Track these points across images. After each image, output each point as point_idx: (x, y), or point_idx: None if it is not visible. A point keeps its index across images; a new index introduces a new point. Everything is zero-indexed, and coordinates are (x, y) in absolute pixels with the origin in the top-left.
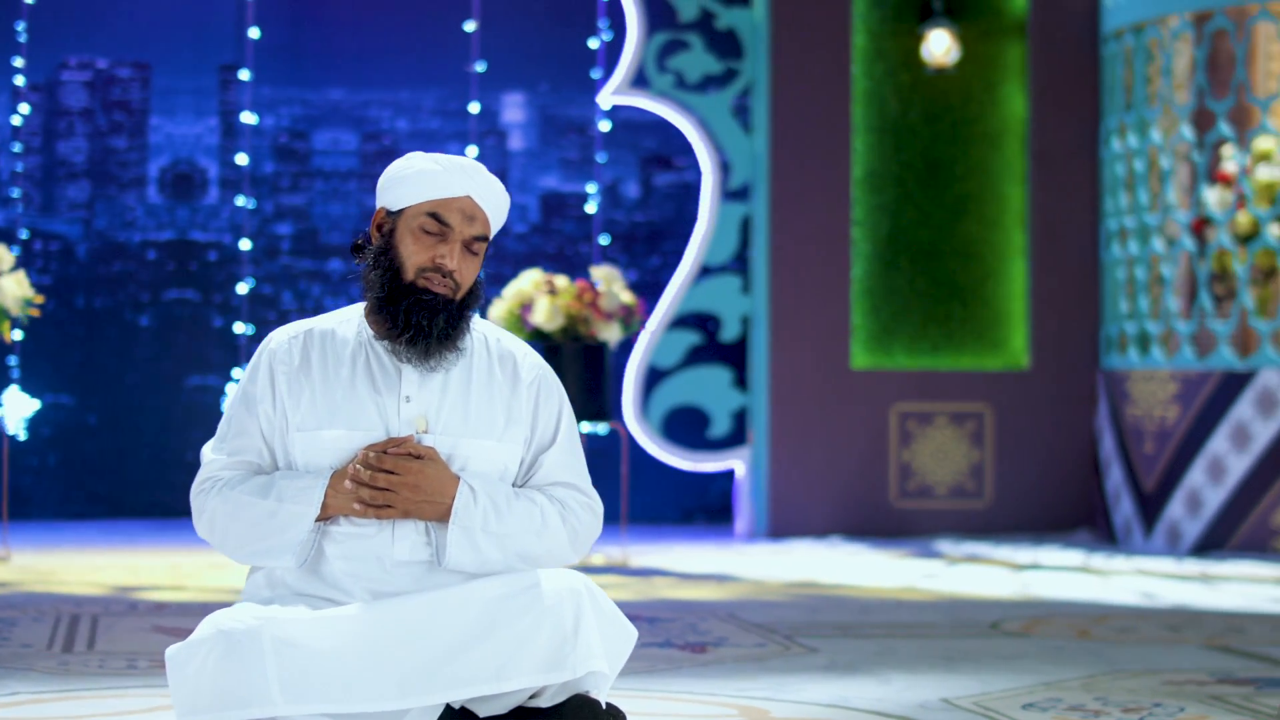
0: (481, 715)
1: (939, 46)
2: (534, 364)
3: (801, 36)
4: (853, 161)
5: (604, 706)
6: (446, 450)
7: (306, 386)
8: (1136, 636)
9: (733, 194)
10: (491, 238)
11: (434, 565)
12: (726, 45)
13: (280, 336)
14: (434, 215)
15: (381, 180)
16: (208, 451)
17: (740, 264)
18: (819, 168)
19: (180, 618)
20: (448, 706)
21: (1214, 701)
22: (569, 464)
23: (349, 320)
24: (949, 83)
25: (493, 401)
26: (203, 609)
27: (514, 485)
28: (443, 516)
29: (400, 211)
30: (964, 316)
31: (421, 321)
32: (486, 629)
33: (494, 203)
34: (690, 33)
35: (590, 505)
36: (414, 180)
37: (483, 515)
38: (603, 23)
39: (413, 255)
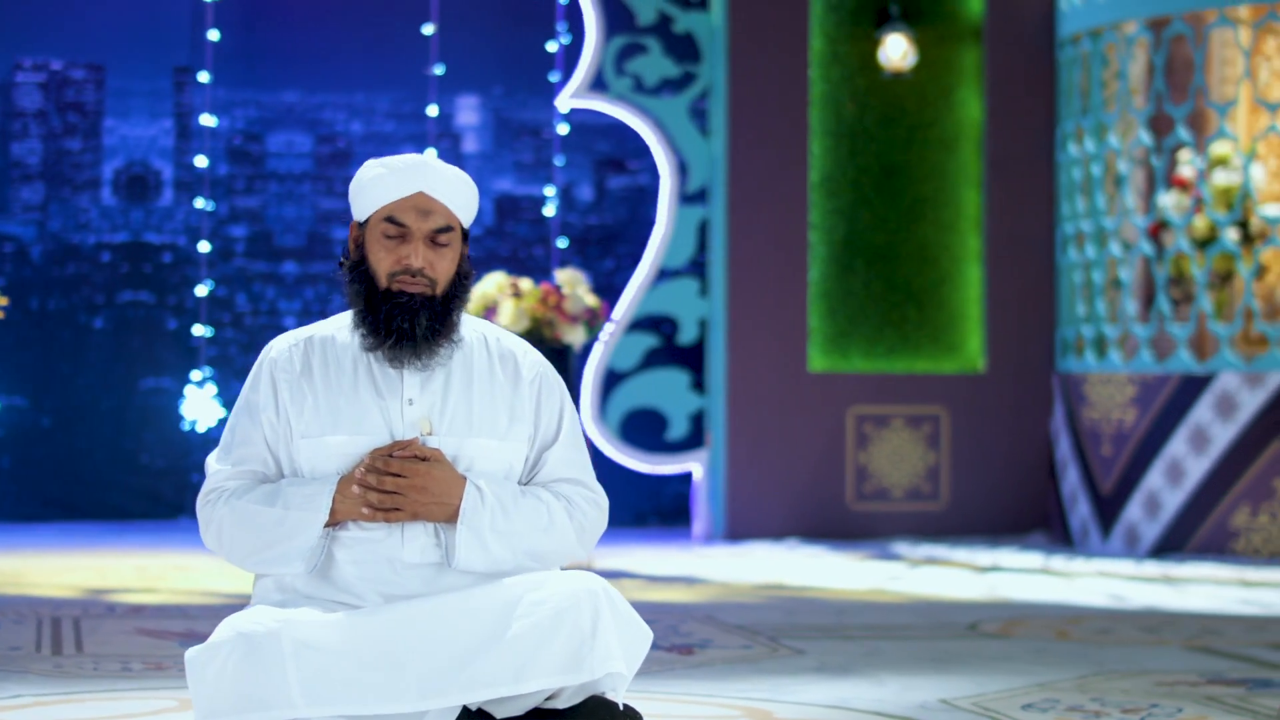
0: (499, 716)
1: (895, 51)
2: (535, 361)
3: (759, 40)
4: (810, 165)
5: (621, 707)
6: (451, 451)
7: (309, 393)
8: (1115, 638)
9: (690, 197)
10: (464, 225)
11: (444, 566)
12: (684, 49)
13: (280, 344)
14: (390, 219)
15: (349, 194)
16: (212, 462)
17: (698, 267)
18: (776, 171)
19: (161, 620)
20: (464, 707)
21: (1210, 702)
22: (573, 460)
23: (348, 326)
24: (905, 87)
25: (495, 401)
26: (180, 611)
27: (519, 483)
28: (451, 517)
29: (366, 221)
30: (920, 320)
31: (403, 325)
32: (504, 631)
33: (450, 191)
34: (648, 36)
35: (596, 500)
36: (368, 189)
37: (490, 515)
38: (561, 26)
39: (381, 262)
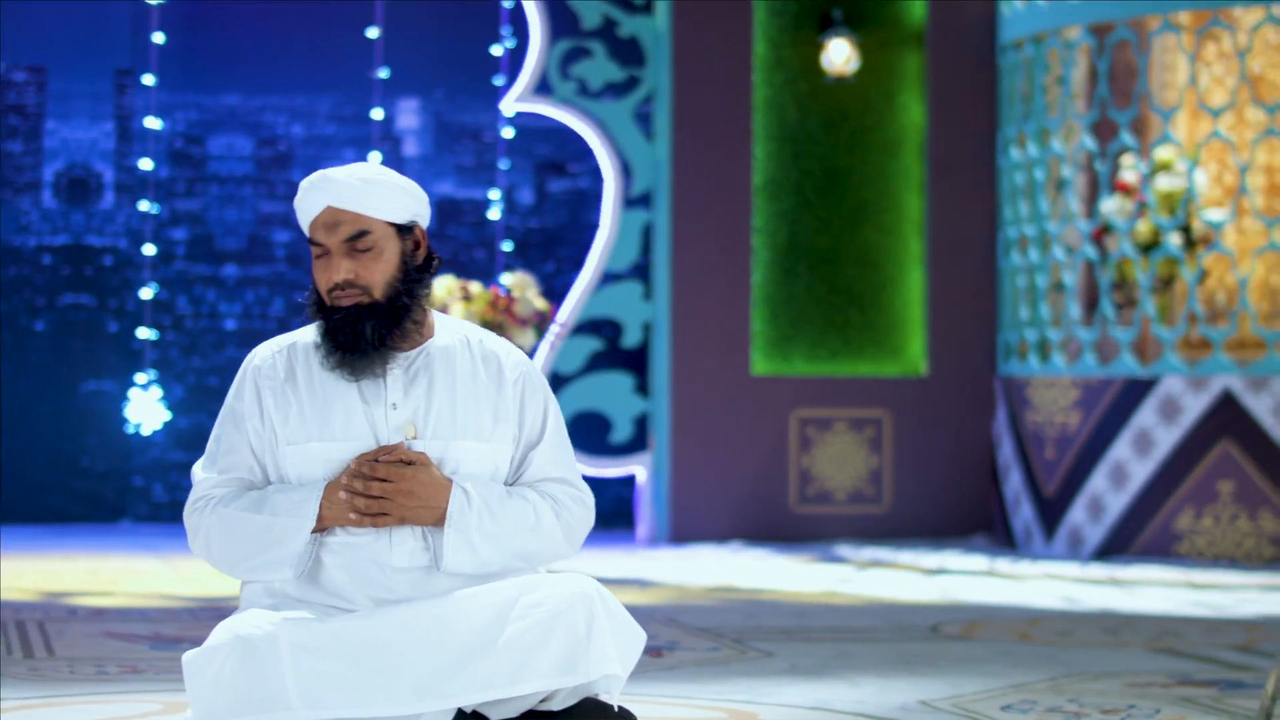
0: (494, 718)
1: (839, 56)
2: (517, 361)
3: (703, 45)
4: (753, 169)
5: (616, 709)
6: (437, 454)
7: (294, 400)
8: (1077, 640)
9: (634, 201)
10: (393, 222)
11: (433, 570)
12: (629, 53)
13: (264, 351)
14: (311, 241)
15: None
16: (198, 471)
17: (641, 271)
18: (720, 175)
19: (126, 623)
20: (459, 709)
21: (1185, 704)
22: (558, 459)
23: (309, 335)
24: (848, 91)
25: (479, 402)
26: (141, 614)
27: (505, 483)
28: (438, 521)
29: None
30: (862, 323)
31: (346, 340)
32: (500, 633)
33: (356, 197)
34: (593, 40)
35: (582, 499)
36: (298, 215)
37: (478, 517)
38: (506, 30)
39: (318, 282)
